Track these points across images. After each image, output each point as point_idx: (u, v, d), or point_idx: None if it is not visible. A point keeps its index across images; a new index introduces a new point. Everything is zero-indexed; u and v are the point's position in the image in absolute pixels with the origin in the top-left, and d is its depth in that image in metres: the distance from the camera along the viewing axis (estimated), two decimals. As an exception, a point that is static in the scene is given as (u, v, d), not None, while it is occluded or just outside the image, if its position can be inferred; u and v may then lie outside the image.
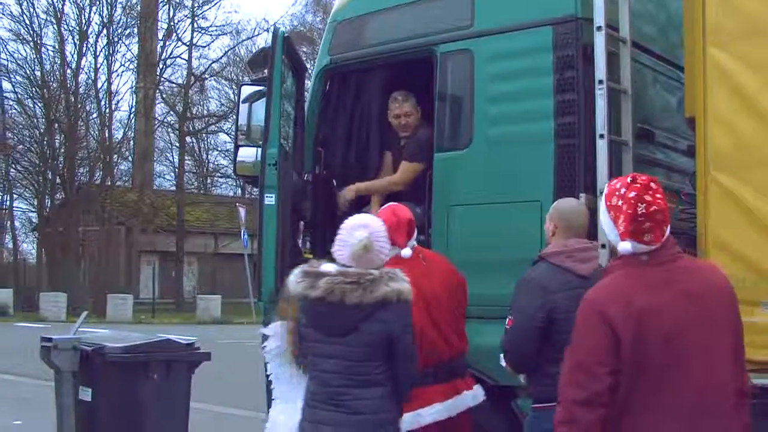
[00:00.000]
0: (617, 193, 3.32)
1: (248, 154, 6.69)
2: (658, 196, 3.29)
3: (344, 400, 3.91)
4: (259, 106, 6.60)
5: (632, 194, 3.26)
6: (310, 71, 7.52)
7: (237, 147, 6.81)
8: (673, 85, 6.34)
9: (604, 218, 3.40)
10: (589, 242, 4.79)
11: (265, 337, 5.53)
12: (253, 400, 10.48)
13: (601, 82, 5.29)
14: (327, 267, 4.08)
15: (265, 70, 6.41)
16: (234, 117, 41.30)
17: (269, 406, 5.06)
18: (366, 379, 3.92)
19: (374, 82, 6.74)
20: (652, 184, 3.30)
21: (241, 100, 6.76)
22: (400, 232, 4.80)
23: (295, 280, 4.10)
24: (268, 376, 5.07)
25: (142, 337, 6.19)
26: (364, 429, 3.90)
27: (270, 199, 6.01)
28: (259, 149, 6.48)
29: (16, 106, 37.54)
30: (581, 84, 5.42)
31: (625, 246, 3.25)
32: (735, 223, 4.89)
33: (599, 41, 5.31)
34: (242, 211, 31.52)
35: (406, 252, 4.82)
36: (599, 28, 5.30)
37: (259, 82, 6.74)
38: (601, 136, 5.27)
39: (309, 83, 7.09)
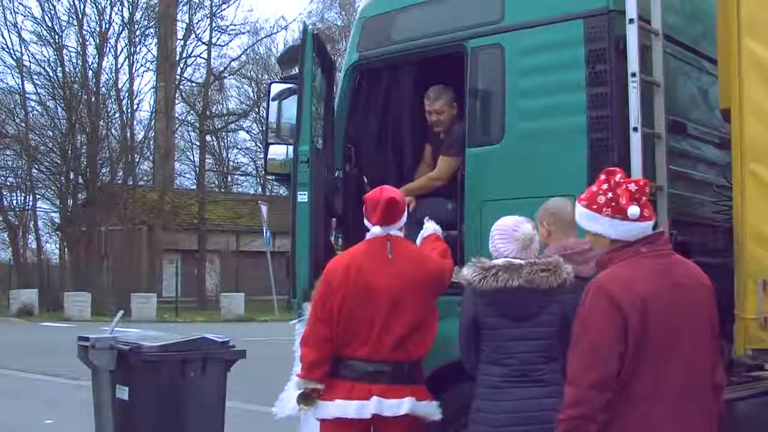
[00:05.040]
0: (600, 191, 3.66)
1: (278, 151, 6.70)
2: (632, 180, 3.70)
3: (540, 374, 4.34)
4: (289, 104, 6.61)
5: (618, 178, 3.64)
6: (339, 68, 7.49)
7: (267, 145, 6.82)
8: (702, 77, 6.31)
9: (588, 221, 3.71)
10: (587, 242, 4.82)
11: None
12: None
13: (634, 74, 5.27)
14: (498, 261, 4.47)
15: (295, 68, 6.42)
16: (253, 114, 41.79)
17: None
18: (552, 354, 4.34)
19: (405, 77, 6.72)
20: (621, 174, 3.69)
21: (270, 97, 6.75)
22: (375, 211, 4.86)
23: (486, 275, 4.40)
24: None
25: (178, 336, 6.21)
26: (557, 395, 4.23)
27: (303, 197, 6.02)
28: (289, 147, 6.51)
29: (38, 108, 37.80)
30: (614, 77, 5.39)
31: (633, 210, 3.58)
32: (773, 215, 4.86)
33: (632, 33, 5.28)
34: (264, 209, 31.65)
35: (375, 230, 4.89)
36: (632, 21, 5.28)
37: (288, 80, 6.75)
38: (635, 129, 5.26)
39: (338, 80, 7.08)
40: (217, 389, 5.96)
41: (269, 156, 6.76)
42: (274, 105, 6.75)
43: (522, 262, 4.43)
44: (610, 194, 3.64)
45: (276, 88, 6.75)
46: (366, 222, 5.04)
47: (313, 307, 4.90)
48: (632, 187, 3.63)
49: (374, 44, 6.52)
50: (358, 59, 6.59)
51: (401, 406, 4.69)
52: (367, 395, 4.68)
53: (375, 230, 4.92)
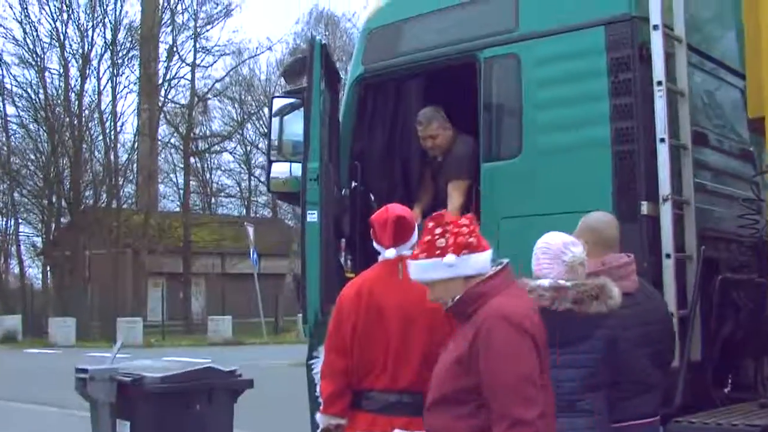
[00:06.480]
0: (438, 235, 3.52)
1: (281, 169, 6.44)
2: (459, 217, 3.67)
3: (581, 404, 4.07)
4: (292, 120, 6.37)
5: (446, 218, 3.56)
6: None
7: (270, 163, 6.56)
8: (721, 86, 6.09)
9: (438, 269, 3.51)
10: (626, 256, 4.54)
11: (311, 357, 5.32)
12: (285, 424, 10.23)
13: (660, 83, 5.07)
14: (542, 282, 4.16)
15: (299, 82, 6.17)
16: (237, 136, 41.41)
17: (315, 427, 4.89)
18: (596, 383, 4.09)
19: (412, 91, 6.48)
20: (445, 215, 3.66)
21: (272, 113, 6.48)
22: (385, 232, 4.54)
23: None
24: (317, 397, 4.87)
25: (181, 366, 5.90)
26: (601, 427, 4.12)
27: (312, 216, 5.75)
28: (292, 164, 6.27)
29: (20, 131, 37.43)
30: (638, 86, 5.15)
31: (487, 256, 3.56)
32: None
33: (657, 40, 5.08)
34: (251, 230, 31.36)
35: (390, 253, 4.54)
36: (656, 27, 5.08)
37: (291, 94, 6.49)
38: (662, 140, 5.05)
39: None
40: (224, 421, 5.64)
41: (272, 174, 6.48)
42: (275, 121, 6.49)
43: (569, 284, 4.10)
44: (451, 235, 3.51)
45: (278, 103, 6.49)
46: (376, 245, 4.73)
47: (327, 338, 4.64)
48: (463, 221, 3.55)
49: (380, 56, 6.28)
50: (363, 72, 6.35)
51: None
52: (389, 429, 4.40)
53: (387, 253, 4.60)
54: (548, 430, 3.35)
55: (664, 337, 4.55)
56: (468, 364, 3.40)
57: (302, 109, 6.19)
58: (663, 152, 5.03)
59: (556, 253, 4.17)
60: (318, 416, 4.63)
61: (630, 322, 4.24)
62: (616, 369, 4.14)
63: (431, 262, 3.51)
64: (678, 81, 5.30)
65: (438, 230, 3.51)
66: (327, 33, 42.38)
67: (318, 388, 4.81)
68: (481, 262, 3.51)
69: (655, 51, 5.08)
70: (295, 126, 6.34)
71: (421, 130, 6.13)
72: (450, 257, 3.47)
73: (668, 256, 4.98)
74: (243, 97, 43.76)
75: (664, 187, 5.01)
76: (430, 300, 3.77)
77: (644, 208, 5.07)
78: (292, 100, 6.41)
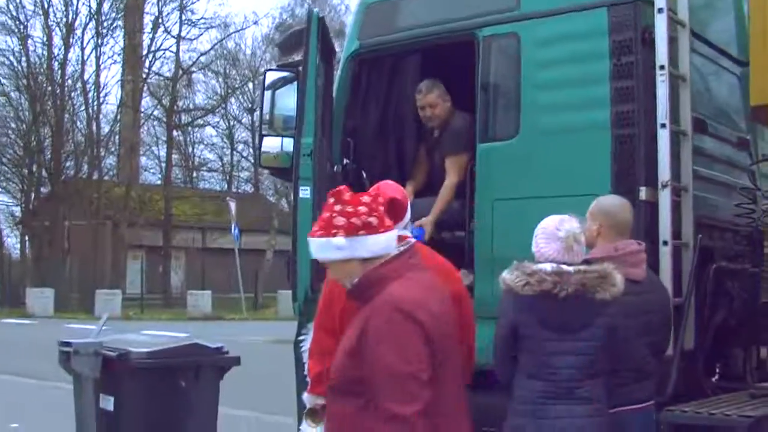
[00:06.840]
0: (336, 213, 3.31)
1: (272, 144, 6.33)
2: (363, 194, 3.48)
3: (579, 392, 3.97)
4: (284, 94, 6.26)
5: (348, 196, 3.35)
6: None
7: (261, 137, 6.44)
8: (719, 72, 6.01)
9: (331, 250, 3.30)
10: (637, 243, 4.48)
11: (300, 335, 5.24)
12: (265, 402, 10.17)
13: (662, 67, 4.98)
14: (544, 266, 4.05)
15: (294, 55, 6.06)
16: (221, 110, 41.07)
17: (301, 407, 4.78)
18: (595, 370, 4.01)
19: (408, 68, 6.36)
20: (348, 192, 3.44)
21: (265, 86, 6.37)
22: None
23: (529, 281, 4.00)
24: (305, 376, 4.79)
25: (166, 341, 5.79)
26: (599, 414, 4.02)
27: (305, 192, 5.66)
28: (283, 139, 6.16)
29: (0, 98, 37.05)
30: (640, 70, 5.06)
31: (388, 237, 3.35)
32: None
33: (661, 24, 4.99)
34: (232, 206, 31.24)
35: None
36: (660, 10, 4.99)
37: (285, 68, 6.37)
38: (663, 125, 4.97)
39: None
40: (210, 398, 5.54)
41: (263, 149, 6.38)
42: (267, 94, 6.37)
43: (571, 269, 4.01)
44: (348, 214, 3.31)
45: (271, 76, 6.37)
46: None
47: (317, 316, 4.54)
48: (365, 200, 3.36)
49: (376, 32, 6.16)
50: (358, 48, 6.23)
51: None
52: None
53: None
54: (433, 430, 3.14)
55: (663, 327, 4.50)
56: (360, 354, 3.20)
57: (295, 83, 6.10)
58: (664, 138, 4.95)
59: (552, 231, 4.11)
60: (305, 396, 4.55)
61: (634, 310, 4.18)
62: (615, 357, 4.07)
63: (325, 241, 3.30)
64: (680, 66, 5.22)
65: (337, 207, 3.31)
66: (315, 9, 42.03)
67: (306, 367, 4.74)
68: (380, 243, 3.31)
69: (658, 35, 4.99)
70: (287, 100, 6.23)
71: (420, 98, 6.03)
72: (340, 238, 3.27)
73: (665, 243, 4.91)
74: (227, 71, 43.42)
75: (664, 173, 4.94)
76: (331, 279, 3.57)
77: (643, 193, 4.98)
78: (285, 74, 6.29)
